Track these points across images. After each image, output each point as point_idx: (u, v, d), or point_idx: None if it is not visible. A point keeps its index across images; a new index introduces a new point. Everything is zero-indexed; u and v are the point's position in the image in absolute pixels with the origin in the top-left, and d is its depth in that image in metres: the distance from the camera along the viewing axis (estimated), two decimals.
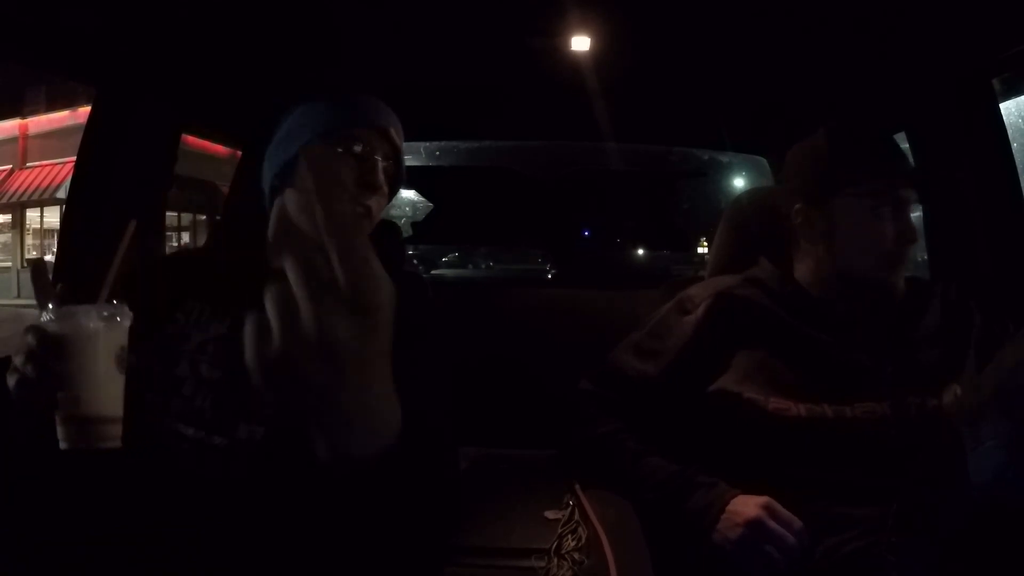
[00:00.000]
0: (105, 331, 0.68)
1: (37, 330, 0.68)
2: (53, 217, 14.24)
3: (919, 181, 1.08)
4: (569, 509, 1.09)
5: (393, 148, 0.97)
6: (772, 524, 0.91)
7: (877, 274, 1.06)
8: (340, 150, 0.92)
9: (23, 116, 14.52)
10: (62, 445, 0.66)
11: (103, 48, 1.25)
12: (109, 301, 0.70)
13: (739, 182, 5.24)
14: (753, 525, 0.92)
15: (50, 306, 0.68)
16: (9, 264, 14.97)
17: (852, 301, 1.10)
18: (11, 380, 0.70)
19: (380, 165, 0.94)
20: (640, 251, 3.64)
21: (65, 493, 0.82)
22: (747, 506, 0.94)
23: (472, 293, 2.16)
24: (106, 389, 0.67)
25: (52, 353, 0.66)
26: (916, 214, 1.54)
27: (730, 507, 0.95)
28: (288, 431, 0.80)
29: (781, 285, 1.13)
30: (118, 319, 0.69)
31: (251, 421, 0.82)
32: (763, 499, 0.94)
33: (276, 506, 0.79)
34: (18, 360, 0.69)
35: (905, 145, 1.50)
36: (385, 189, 0.96)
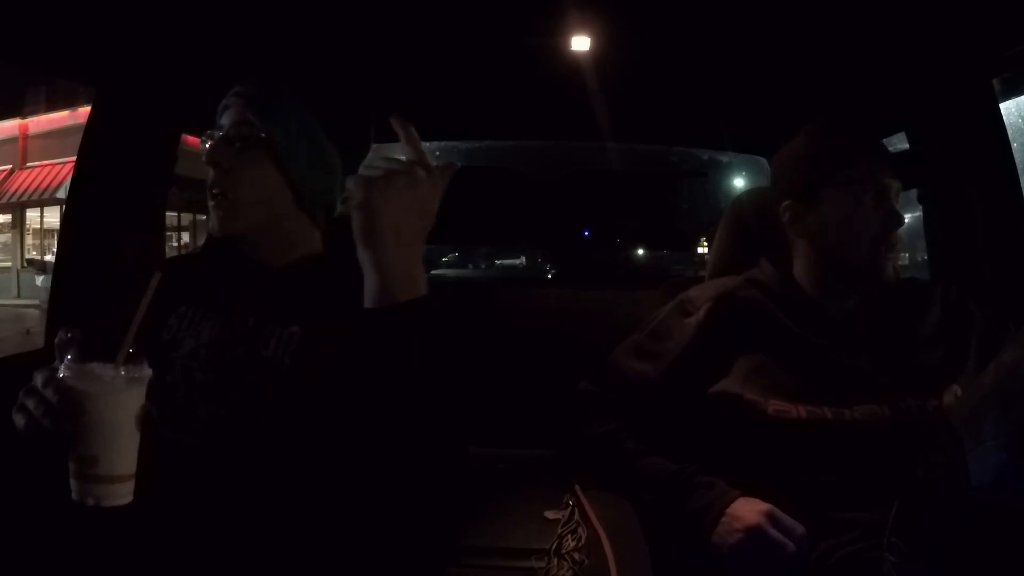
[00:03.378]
0: (129, 394, 0.65)
1: (59, 385, 0.64)
2: (53, 217, 14.25)
3: (900, 168, 1.10)
4: (569, 509, 1.09)
5: (238, 113, 0.90)
6: (773, 532, 0.90)
7: (866, 261, 1.07)
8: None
9: (23, 116, 14.53)
10: (74, 497, 0.64)
11: (103, 48, 1.25)
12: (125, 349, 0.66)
13: (739, 182, 5.26)
14: (753, 532, 0.90)
15: (68, 357, 0.65)
16: (9, 264, 14.98)
17: (847, 298, 1.10)
18: (20, 419, 0.68)
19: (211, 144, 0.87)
20: (640, 251, 3.63)
21: (57, 501, 0.81)
22: (748, 511, 0.93)
23: (472, 293, 2.16)
24: (125, 450, 0.66)
25: (73, 411, 0.63)
26: (916, 213, 1.55)
27: (730, 510, 0.94)
28: (282, 437, 0.79)
29: (781, 286, 1.14)
30: (138, 377, 0.66)
31: (245, 428, 0.81)
32: (765, 506, 0.93)
33: (273, 512, 0.78)
34: (31, 403, 0.67)
35: (904, 145, 1.50)
36: (229, 161, 0.87)
